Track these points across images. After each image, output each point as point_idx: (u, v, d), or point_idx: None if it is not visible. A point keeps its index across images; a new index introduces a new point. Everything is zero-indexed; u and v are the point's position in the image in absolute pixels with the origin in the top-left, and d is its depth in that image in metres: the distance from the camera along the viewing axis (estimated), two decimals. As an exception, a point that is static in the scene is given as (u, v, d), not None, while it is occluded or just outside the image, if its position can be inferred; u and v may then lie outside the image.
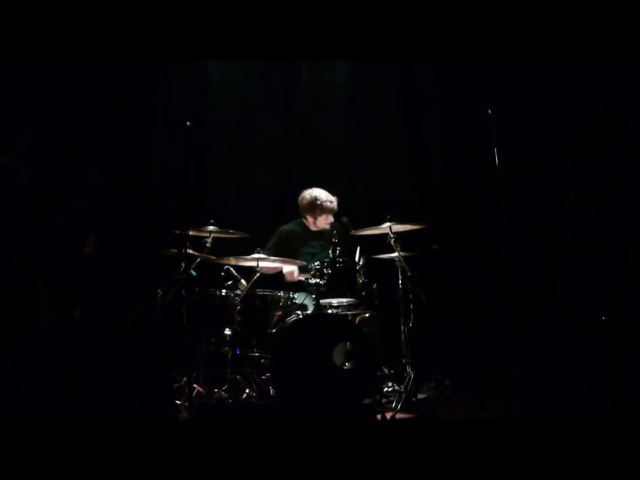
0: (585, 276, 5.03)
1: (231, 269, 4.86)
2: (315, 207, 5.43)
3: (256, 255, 4.75)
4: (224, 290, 4.79)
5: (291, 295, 4.89)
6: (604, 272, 4.96)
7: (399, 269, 4.89)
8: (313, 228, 5.55)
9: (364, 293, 4.69)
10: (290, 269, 5.19)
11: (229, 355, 4.63)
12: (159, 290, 4.57)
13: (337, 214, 5.50)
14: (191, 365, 4.06)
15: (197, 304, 4.74)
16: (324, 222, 5.46)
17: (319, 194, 5.43)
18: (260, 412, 3.70)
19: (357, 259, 4.87)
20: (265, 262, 4.87)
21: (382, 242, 4.96)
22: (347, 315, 4.75)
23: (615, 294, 4.76)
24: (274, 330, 4.65)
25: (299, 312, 4.72)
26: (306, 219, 5.54)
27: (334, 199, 5.44)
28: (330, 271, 4.63)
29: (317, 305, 4.59)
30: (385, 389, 4.82)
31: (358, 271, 4.69)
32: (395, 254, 4.86)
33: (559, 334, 4.24)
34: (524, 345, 4.25)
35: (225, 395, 4.60)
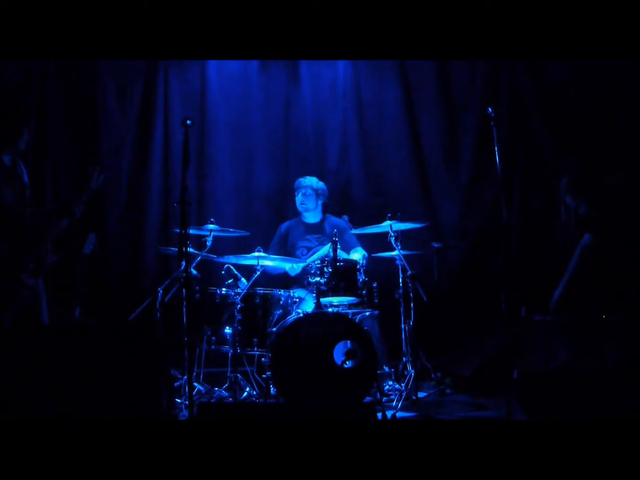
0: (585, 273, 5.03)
1: (231, 267, 4.87)
2: (294, 187, 5.58)
3: (256, 254, 4.77)
4: (224, 289, 4.79)
5: (291, 294, 4.89)
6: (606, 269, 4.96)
7: (400, 267, 4.90)
8: (307, 220, 5.60)
9: (364, 292, 4.70)
10: (291, 266, 5.28)
11: (230, 354, 4.64)
12: (159, 289, 4.56)
13: (326, 204, 5.61)
14: (191, 364, 4.06)
15: (198, 303, 4.75)
16: (299, 202, 5.54)
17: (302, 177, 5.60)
18: (260, 411, 3.68)
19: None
20: (265, 261, 4.89)
21: (382, 241, 4.97)
22: (347, 313, 4.75)
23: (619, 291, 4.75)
24: (274, 329, 4.65)
25: (299, 310, 4.73)
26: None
27: (308, 180, 5.53)
28: (330, 270, 4.63)
29: (318, 304, 4.58)
30: (386, 388, 4.82)
31: (358, 270, 4.70)
32: (395, 253, 4.87)
33: (560, 333, 4.24)
34: (525, 345, 4.26)
35: (226, 394, 4.61)
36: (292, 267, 5.27)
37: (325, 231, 5.48)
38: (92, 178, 4.37)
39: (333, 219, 5.59)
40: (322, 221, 5.59)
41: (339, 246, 4.74)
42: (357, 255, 5.20)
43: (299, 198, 5.54)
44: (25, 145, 4.31)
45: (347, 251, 5.26)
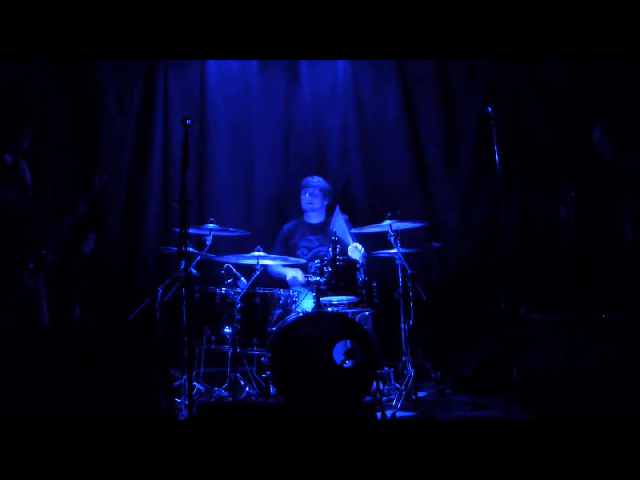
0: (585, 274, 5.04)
1: (231, 267, 4.87)
2: (301, 186, 5.60)
3: (256, 253, 4.77)
4: (224, 289, 4.79)
5: (291, 293, 4.90)
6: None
7: (399, 267, 4.90)
8: (310, 220, 5.61)
9: (364, 291, 4.70)
10: (292, 276, 5.26)
11: (229, 354, 4.64)
12: (159, 289, 4.56)
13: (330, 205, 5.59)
14: (191, 364, 4.06)
15: (197, 303, 4.75)
16: (305, 201, 5.55)
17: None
18: (260, 411, 3.69)
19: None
20: (265, 261, 4.90)
21: (382, 241, 4.97)
22: (347, 313, 4.75)
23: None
24: (274, 329, 4.65)
25: (299, 310, 4.73)
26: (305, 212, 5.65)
27: (316, 179, 5.56)
28: (330, 269, 4.64)
29: (317, 304, 4.58)
30: (386, 388, 4.82)
31: (358, 269, 4.70)
32: (395, 252, 4.87)
33: (560, 332, 4.24)
34: (524, 344, 4.27)
35: (225, 394, 4.61)
36: (293, 277, 5.28)
37: (327, 232, 5.47)
38: (94, 178, 4.36)
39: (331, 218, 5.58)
40: (325, 222, 5.60)
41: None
42: (355, 248, 5.16)
43: (305, 197, 5.55)
44: (28, 145, 4.31)
45: (346, 245, 5.22)
